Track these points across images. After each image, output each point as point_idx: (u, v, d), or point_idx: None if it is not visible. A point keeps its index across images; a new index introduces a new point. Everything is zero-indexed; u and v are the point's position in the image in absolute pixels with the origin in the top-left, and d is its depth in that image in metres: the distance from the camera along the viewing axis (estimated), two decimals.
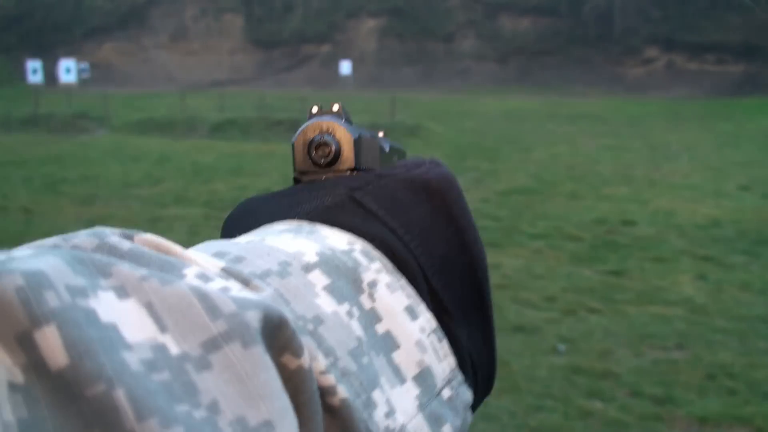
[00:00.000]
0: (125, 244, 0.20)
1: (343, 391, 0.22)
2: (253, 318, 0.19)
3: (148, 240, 0.21)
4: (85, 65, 23.23)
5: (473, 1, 33.79)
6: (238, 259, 0.24)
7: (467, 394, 0.28)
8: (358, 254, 0.27)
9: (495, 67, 32.02)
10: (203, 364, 0.18)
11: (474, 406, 0.30)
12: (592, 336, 3.73)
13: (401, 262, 0.29)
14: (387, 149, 0.39)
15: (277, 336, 0.20)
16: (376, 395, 0.24)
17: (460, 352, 0.30)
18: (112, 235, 0.21)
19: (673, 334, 3.75)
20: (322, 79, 30.99)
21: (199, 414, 0.17)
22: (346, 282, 0.26)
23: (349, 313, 0.25)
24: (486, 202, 7.35)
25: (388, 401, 0.24)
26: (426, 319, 0.28)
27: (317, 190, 0.31)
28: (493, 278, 4.62)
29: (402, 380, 0.25)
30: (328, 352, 0.23)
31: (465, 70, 32.18)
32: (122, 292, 0.18)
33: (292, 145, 0.33)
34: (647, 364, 3.37)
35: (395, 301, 0.27)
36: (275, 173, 9.25)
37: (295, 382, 0.20)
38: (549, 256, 5.30)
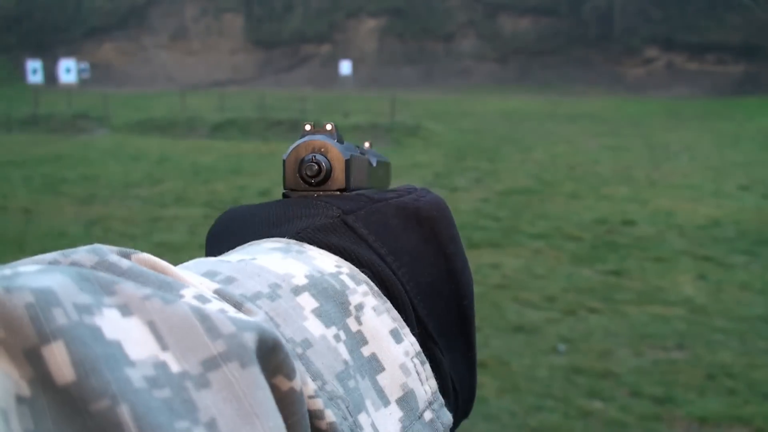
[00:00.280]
0: (124, 263, 0.21)
1: (330, 416, 0.22)
2: (250, 339, 0.19)
3: (144, 259, 0.22)
4: (85, 65, 23.23)
5: (473, 1, 33.78)
6: (230, 280, 0.25)
7: (447, 417, 0.29)
8: (345, 277, 0.28)
9: (495, 67, 32.01)
10: (202, 383, 0.18)
11: (452, 428, 0.30)
12: (592, 336, 3.73)
13: (389, 287, 0.29)
14: (374, 163, 0.39)
15: (271, 358, 0.20)
16: (362, 419, 0.24)
17: (442, 376, 0.30)
18: (111, 253, 0.21)
19: (673, 334, 3.75)
20: (322, 79, 30.99)
21: (198, 431, 0.17)
22: (334, 305, 0.26)
23: (337, 337, 0.25)
24: (486, 202, 7.35)
25: (373, 424, 0.25)
26: (410, 342, 0.28)
27: (309, 208, 0.31)
28: (493, 278, 4.64)
29: (386, 402, 0.26)
30: (316, 376, 0.23)
31: (465, 70, 32.18)
32: (126, 310, 0.18)
33: (284, 162, 0.33)
34: (647, 364, 3.37)
35: (381, 324, 0.27)
36: (275, 173, 9.24)
37: (286, 403, 0.20)
38: (549, 256, 5.30)
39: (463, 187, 8.24)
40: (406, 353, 0.28)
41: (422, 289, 0.31)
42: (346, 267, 0.28)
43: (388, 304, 0.28)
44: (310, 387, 0.22)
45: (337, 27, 35.12)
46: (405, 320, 0.29)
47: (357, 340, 0.26)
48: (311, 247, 0.29)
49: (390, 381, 0.26)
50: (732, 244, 5.62)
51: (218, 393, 0.18)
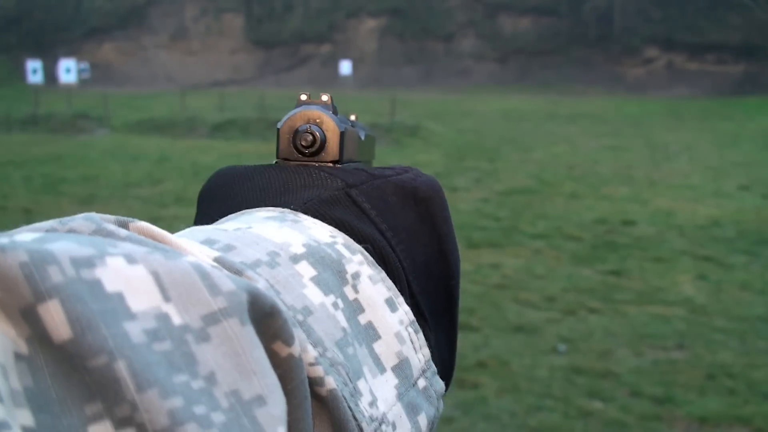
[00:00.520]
0: (122, 232, 0.21)
1: (331, 382, 0.22)
2: (246, 300, 0.19)
3: (142, 228, 0.22)
4: (85, 65, 23.21)
5: (473, 1, 33.78)
6: (228, 248, 0.25)
7: (440, 384, 0.29)
8: (341, 246, 0.28)
9: (495, 67, 32.01)
10: (203, 336, 0.18)
11: None
12: (592, 336, 3.73)
13: (387, 263, 0.30)
14: (362, 137, 0.39)
15: (270, 323, 0.20)
16: (361, 385, 0.24)
17: (431, 351, 0.30)
18: (108, 221, 0.21)
19: (673, 334, 3.75)
20: (322, 79, 30.98)
21: (197, 384, 0.17)
22: (331, 273, 0.26)
23: (335, 305, 0.25)
24: (486, 202, 7.35)
25: (371, 390, 0.25)
26: (404, 311, 0.28)
27: (312, 178, 0.32)
28: (493, 278, 4.64)
29: (382, 370, 0.26)
30: (316, 343, 0.23)
31: (465, 70, 32.17)
32: (131, 258, 0.18)
33: (278, 131, 0.33)
34: (647, 364, 3.37)
35: (376, 293, 0.28)
36: None
37: (285, 369, 0.20)
38: (549, 256, 5.30)
39: (463, 187, 8.23)
40: (401, 322, 0.28)
41: (416, 266, 0.31)
42: (340, 237, 0.28)
43: (383, 274, 0.28)
44: (311, 354, 0.22)
45: (337, 27, 35.12)
46: (399, 291, 0.29)
47: (354, 308, 0.26)
48: (306, 217, 0.29)
49: (386, 349, 0.27)
50: (732, 244, 5.62)
51: (218, 347, 0.18)
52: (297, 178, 0.32)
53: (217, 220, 0.31)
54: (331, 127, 0.33)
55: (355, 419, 0.23)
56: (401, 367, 0.27)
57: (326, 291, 0.25)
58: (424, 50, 33.47)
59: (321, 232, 0.28)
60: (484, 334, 3.70)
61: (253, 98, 19.37)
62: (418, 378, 0.28)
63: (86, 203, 7.39)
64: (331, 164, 0.33)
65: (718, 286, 4.59)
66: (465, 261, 5.08)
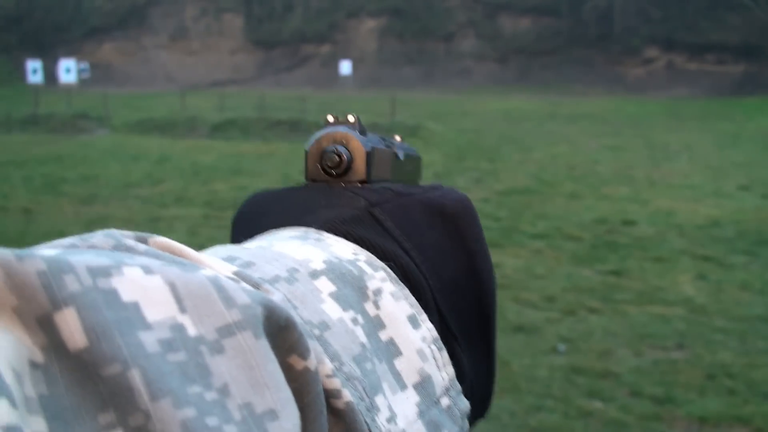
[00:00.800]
0: (141, 247, 0.21)
1: (347, 395, 0.22)
2: (260, 313, 0.20)
3: (161, 243, 0.22)
4: (85, 65, 23.21)
5: (473, 1, 33.78)
6: (248, 264, 0.25)
7: (464, 404, 0.29)
8: (363, 263, 0.28)
9: (495, 67, 32.01)
10: (217, 348, 0.18)
11: (469, 427, 0.30)
12: (592, 336, 3.73)
13: (411, 280, 0.29)
14: (401, 157, 0.39)
15: (284, 336, 0.20)
16: (379, 400, 0.24)
17: (461, 371, 0.30)
18: (127, 237, 0.21)
19: (673, 334, 3.76)
20: (322, 79, 30.98)
21: (211, 396, 0.17)
22: (352, 290, 0.26)
23: (354, 320, 0.25)
24: (486, 202, 7.35)
25: (389, 407, 0.25)
26: (427, 328, 0.28)
27: (336, 197, 0.32)
28: None
29: (403, 387, 0.26)
30: (333, 357, 0.23)
31: (465, 70, 32.17)
32: (148, 269, 0.19)
33: (306, 152, 0.33)
34: (647, 364, 3.37)
35: (398, 309, 0.27)
36: (275, 173, 9.25)
37: (301, 382, 0.20)
38: (549, 256, 5.30)
39: (463, 187, 8.23)
40: (424, 339, 0.28)
41: (444, 284, 0.31)
42: (363, 254, 0.29)
43: (406, 291, 0.28)
44: (327, 366, 0.22)
45: (337, 27, 35.12)
46: (424, 309, 0.29)
47: (374, 324, 0.26)
48: (328, 234, 0.29)
49: (407, 365, 0.27)
50: (732, 244, 5.62)
51: (232, 360, 0.18)
52: (321, 198, 0.32)
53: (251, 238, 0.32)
54: (357, 146, 0.33)
55: None
56: (423, 385, 0.27)
57: (345, 306, 0.25)
58: (424, 50, 33.47)
59: (343, 249, 0.28)
60: None
61: (253, 98, 19.37)
62: (441, 396, 0.27)
63: (86, 203, 7.39)
64: (359, 184, 0.33)
65: (718, 286, 4.59)
66: None
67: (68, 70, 18.42)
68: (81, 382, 0.16)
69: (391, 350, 0.26)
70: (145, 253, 0.20)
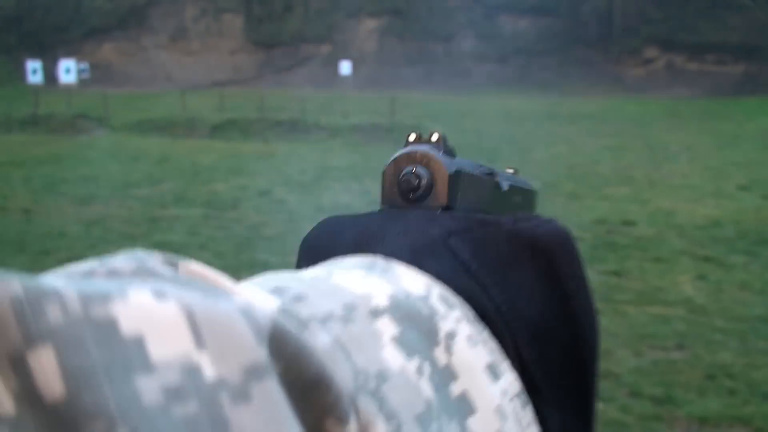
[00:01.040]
0: (167, 272, 0.18)
1: None
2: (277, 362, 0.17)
3: (194, 269, 0.19)
4: (85, 65, 23.21)
5: (473, 2, 33.78)
6: (299, 298, 0.21)
7: None
8: (436, 300, 0.24)
9: (495, 67, 32.01)
10: (242, 395, 0.15)
11: None
12: None
13: (489, 323, 0.26)
14: (504, 187, 0.35)
15: (315, 395, 0.17)
16: None
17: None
18: (153, 259, 0.18)
19: (673, 334, 3.76)
20: (322, 79, 30.98)
21: None
22: (419, 333, 0.23)
23: (420, 370, 0.22)
24: None
25: None
26: (509, 380, 0.24)
27: (409, 224, 0.28)
28: None
29: None
30: (390, 416, 0.19)
31: (465, 70, 32.17)
32: (161, 294, 0.15)
33: (383, 174, 0.31)
34: (647, 364, 3.37)
35: (475, 356, 0.24)
36: (275, 173, 9.25)
37: None
38: None
39: None
40: (504, 393, 0.24)
41: (531, 330, 0.27)
42: (437, 288, 0.25)
43: (486, 334, 0.25)
44: (382, 429, 0.19)
45: (337, 27, 35.12)
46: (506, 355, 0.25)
47: (445, 375, 0.22)
48: (399, 264, 0.26)
49: (482, 425, 0.23)
50: (732, 244, 5.62)
51: (260, 412, 0.15)
52: (394, 224, 0.29)
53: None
54: (439, 168, 0.30)
55: None
56: None
57: (410, 353, 0.22)
58: (424, 50, 33.47)
59: (414, 282, 0.25)
60: None
61: (253, 98, 19.37)
62: None
63: (86, 203, 7.39)
64: (440, 210, 0.30)
65: (718, 286, 4.59)
66: None
67: (68, 70, 18.43)
68: None
69: (463, 407, 0.22)
70: (171, 280, 0.17)
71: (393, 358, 0.21)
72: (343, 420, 0.17)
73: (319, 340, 0.19)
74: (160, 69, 35.03)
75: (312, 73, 33.39)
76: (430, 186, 0.30)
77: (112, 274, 0.17)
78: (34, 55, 23.08)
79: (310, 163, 10.27)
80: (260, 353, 0.16)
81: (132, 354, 0.14)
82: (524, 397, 0.25)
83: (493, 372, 0.24)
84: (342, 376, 0.18)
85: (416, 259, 0.26)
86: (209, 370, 0.15)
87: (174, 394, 0.14)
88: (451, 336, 0.23)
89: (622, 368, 3.31)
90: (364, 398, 0.19)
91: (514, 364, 0.26)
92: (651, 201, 7.43)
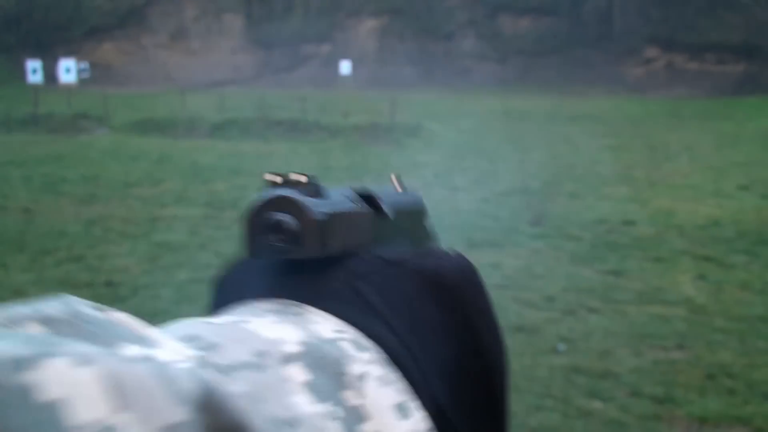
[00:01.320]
0: (99, 315, 0.19)
1: None
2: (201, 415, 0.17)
3: (118, 318, 0.20)
4: (85, 65, 23.21)
5: (473, 1, 33.77)
6: (212, 346, 0.22)
7: None
8: (347, 344, 0.25)
9: (495, 67, 32.01)
10: None
11: None
12: (592, 336, 3.73)
13: (399, 364, 0.26)
14: (391, 214, 0.32)
15: None
16: None
17: None
18: (84, 306, 0.19)
19: (673, 334, 3.75)
20: (322, 79, 30.97)
21: None
22: (329, 377, 0.23)
23: (331, 414, 0.22)
24: (486, 202, 7.35)
25: None
26: (419, 418, 0.25)
27: (315, 271, 0.28)
28: (493, 278, 4.63)
29: None
30: None
31: (465, 70, 32.17)
32: (83, 360, 0.16)
33: (244, 222, 0.28)
34: (647, 364, 3.37)
35: (385, 397, 0.24)
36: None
37: None
38: (549, 256, 5.30)
39: (463, 187, 8.23)
40: (415, 431, 0.25)
41: (442, 366, 0.27)
42: (348, 332, 0.26)
43: (396, 375, 0.25)
44: None
45: (337, 27, 35.12)
46: (417, 395, 0.26)
47: (355, 416, 0.23)
48: (311, 309, 0.26)
49: None
50: (732, 244, 5.62)
51: None
52: (302, 273, 0.28)
53: (228, 308, 0.29)
54: (307, 214, 0.27)
55: None
56: None
57: (321, 398, 0.22)
58: (424, 50, 33.46)
59: (325, 326, 0.25)
60: None
61: (253, 98, 19.36)
62: None
63: (86, 203, 7.39)
64: (313, 260, 0.28)
65: (718, 286, 4.59)
66: None
67: (68, 70, 18.43)
68: None
69: None
70: (103, 322, 0.18)
71: (303, 403, 0.22)
72: None
73: (236, 389, 0.19)
74: (160, 69, 35.02)
75: (312, 73, 33.38)
76: (298, 235, 0.27)
77: (46, 322, 0.17)
78: (34, 54, 23.07)
79: (310, 163, 10.27)
80: (180, 412, 0.16)
81: (46, 419, 0.14)
82: None
83: (403, 411, 0.24)
84: (258, 423, 0.18)
85: (326, 304, 0.27)
86: (129, 430, 0.15)
87: None
88: (362, 378, 0.24)
89: (623, 368, 3.31)
90: None
91: (426, 401, 0.26)
92: (651, 201, 7.43)
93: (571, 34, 31.47)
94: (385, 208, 0.32)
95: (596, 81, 28.58)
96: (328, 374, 0.23)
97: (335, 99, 21.06)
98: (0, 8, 36.51)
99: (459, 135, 13.86)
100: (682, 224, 6.34)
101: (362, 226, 0.30)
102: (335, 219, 0.28)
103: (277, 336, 0.24)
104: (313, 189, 0.28)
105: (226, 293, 0.30)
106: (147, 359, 0.17)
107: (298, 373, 0.23)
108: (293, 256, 0.27)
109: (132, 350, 0.17)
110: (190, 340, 0.22)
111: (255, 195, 0.28)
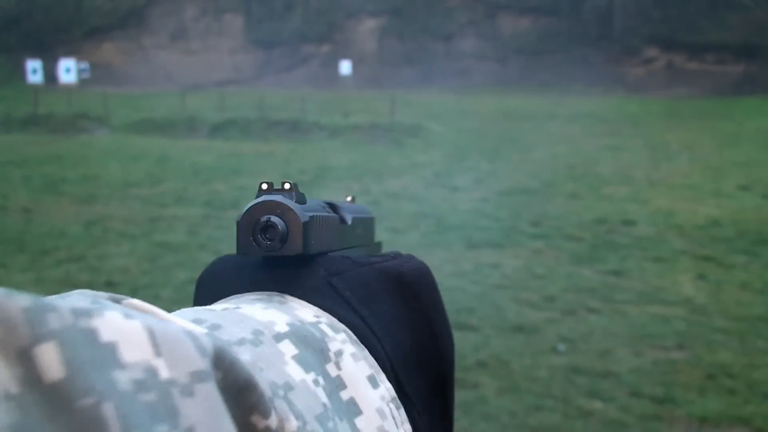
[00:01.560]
0: (116, 300, 0.22)
1: None
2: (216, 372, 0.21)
3: (134, 304, 0.23)
4: (85, 65, 23.20)
5: (473, 1, 33.77)
6: (216, 327, 0.26)
7: None
8: (325, 326, 0.30)
9: (495, 67, 32.00)
10: (188, 392, 0.19)
11: None
12: (592, 336, 3.73)
13: (369, 347, 0.31)
14: (349, 221, 0.38)
15: (245, 396, 0.21)
16: None
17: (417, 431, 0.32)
18: (101, 297, 0.22)
19: (673, 334, 3.76)
20: (322, 79, 30.97)
21: None
22: (313, 352, 0.28)
23: (316, 381, 0.27)
24: (486, 202, 7.35)
25: None
26: (386, 388, 0.30)
27: (296, 268, 0.33)
28: (493, 278, 4.63)
29: None
30: (298, 416, 0.24)
31: (465, 70, 32.17)
32: (129, 314, 0.20)
33: (237, 223, 0.31)
34: (647, 364, 3.37)
35: (358, 370, 0.29)
36: (275, 173, 9.24)
37: None
38: (549, 256, 5.30)
39: (463, 187, 8.23)
40: (382, 398, 0.29)
41: (402, 350, 0.32)
42: (325, 317, 0.30)
43: (366, 352, 0.30)
44: (293, 424, 0.23)
45: (337, 27, 35.11)
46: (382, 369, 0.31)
47: (336, 385, 0.28)
48: (292, 298, 0.31)
49: (367, 424, 0.28)
50: (732, 244, 5.62)
51: (201, 404, 0.19)
52: (283, 269, 0.33)
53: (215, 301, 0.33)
54: (293, 217, 0.31)
55: None
56: None
57: (307, 368, 0.27)
58: (423, 50, 33.46)
59: (305, 312, 0.30)
60: (484, 333, 3.70)
61: (253, 98, 19.36)
62: None
63: (86, 203, 7.39)
64: (295, 256, 0.32)
65: (718, 286, 4.59)
66: (465, 261, 5.08)
67: (68, 70, 18.43)
68: (54, 412, 0.17)
69: (351, 409, 0.28)
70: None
71: (295, 372, 0.26)
72: (265, 415, 0.22)
73: (243, 356, 0.23)
74: (160, 69, 35.03)
75: (312, 73, 33.38)
76: (286, 235, 0.31)
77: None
78: (34, 54, 23.07)
79: (310, 163, 10.27)
80: (202, 363, 0.20)
81: (108, 354, 0.18)
82: (398, 401, 0.30)
83: (373, 382, 0.29)
84: (262, 382, 0.22)
85: (306, 296, 0.32)
86: (164, 372, 0.19)
87: (139, 385, 0.18)
88: (339, 354, 0.29)
89: (623, 368, 3.31)
90: (277, 401, 0.23)
91: (388, 376, 0.31)
92: (651, 201, 7.43)
93: (571, 34, 31.47)
94: (345, 215, 0.38)
95: (596, 81, 28.58)
96: (313, 350, 0.28)
97: (335, 99, 21.06)
98: (0, 8, 36.53)
99: (459, 135, 13.86)
100: (682, 224, 6.34)
101: (331, 230, 0.35)
102: (315, 222, 0.33)
103: (268, 319, 0.28)
104: (296, 195, 0.32)
105: (211, 289, 0.34)
106: (174, 324, 0.21)
107: (288, 349, 0.27)
108: (280, 253, 0.31)
109: None
110: (197, 322, 0.26)
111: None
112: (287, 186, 0.33)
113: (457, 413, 3.10)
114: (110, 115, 15.95)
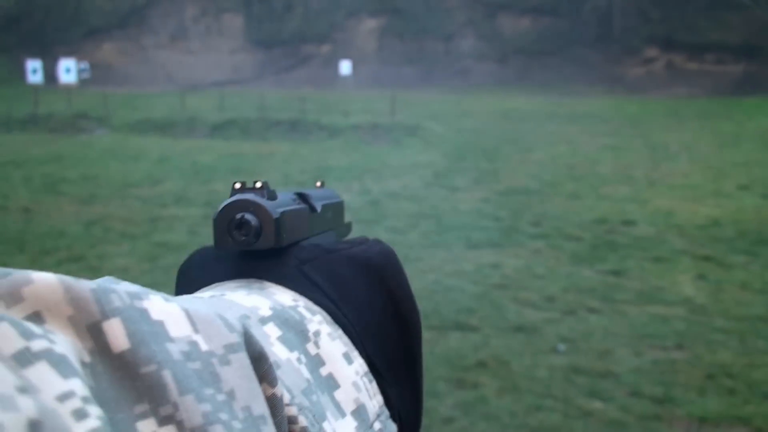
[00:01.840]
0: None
1: (303, 420, 0.26)
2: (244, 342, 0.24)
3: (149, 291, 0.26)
4: (85, 65, 23.18)
5: (473, 1, 33.76)
6: None
7: (393, 427, 0.33)
8: (302, 309, 0.32)
9: (495, 67, 31.99)
10: (225, 361, 0.23)
11: None
12: (592, 336, 3.73)
13: (340, 326, 0.34)
14: (318, 209, 0.41)
15: (258, 365, 0.24)
16: (326, 426, 0.28)
17: (388, 403, 0.34)
18: (126, 283, 0.25)
19: (673, 334, 3.76)
20: (322, 79, 30.96)
21: (221, 397, 0.22)
22: (295, 333, 0.31)
23: (299, 359, 0.30)
24: (486, 202, 7.35)
25: (335, 431, 0.29)
26: (359, 363, 0.33)
27: (270, 258, 0.35)
28: (493, 278, 4.63)
29: (343, 414, 0.30)
30: (288, 390, 0.27)
31: (465, 70, 32.16)
32: (167, 298, 0.23)
33: (213, 221, 0.34)
34: (647, 364, 3.37)
35: (335, 348, 0.32)
36: (275, 173, 9.24)
37: (270, 405, 0.24)
38: (549, 256, 5.30)
39: (463, 187, 8.23)
40: (357, 372, 0.32)
41: (370, 329, 0.35)
42: (302, 301, 0.33)
43: (340, 331, 0.33)
44: (286, 396, 0.26)
45: (337, 27, 35.10)
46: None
47: (316, 362, 0.31)
48: (270, 284, 0.34)
49: (345, 396, 0.31)
50: (732, 244, 5.62)
51: (237, 371, 0.23)
52: (259, 261, 0.35)
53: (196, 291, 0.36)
54: (265, 213, 0.33)
55: None
56: (359, 412, 0.31)
57: (291, 348, 0.30)
58: (423, 50, 33.45)
59: (284, 297, 0.33)
60: (484, 334, 3.70)
61: (253, 98, 19.36)
62: (373, 421, 0.32)
63: (86, 203, 7.39)
64: (269, 249, 0.34)
65: (718, 286, 4.59)
66: (465, 261, 5.08)
67: (68, 70, 18.42)
68: (120, 379, 0.20)
69: (330, 383, 0.31)
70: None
71: (280, 352, 0.29)
72: (272, 384, 0.25)
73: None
74: (160, 69, 35.02)
75: (312, 73, 33.37)
76: (259, 230, 0.33)
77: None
78: (34, 54, 23.05)
79: (310, 163, 10.26)
80: (233, 336, 0.23)
81: (160, 330, 0.22)
82: (370, 375, 0.33)
83: (348, 358, 0.32)
84: (272, 354, 0.25)
85: (281, 283, 0.34)
86: (203, 345, 0.23)
87: (187, 356, 0.22)
88: (317, 334, 0.32)
89: (622, 368, 3.31)
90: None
91: (360, 353, 0.34)
92: (651, 201, 7.43)
93: (571, 34, 31.46)
94: (315, 204, 0.40)
95: (596, 81, 28.58)
96: (294, 331, 0.31)
97: (335, 99, 21.06)
98: (0, 8, 36.52)
99: (459, 135, 13.86)
100: (681, 224, 6.34)
101: (302, 220, 0.38)
102: (286, 216, 0.35)
103: (252, 304, 0.31)
104: (268, 192, 0.35)
105: (191, 280, 0.37)
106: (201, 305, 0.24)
107: (273, 331, 0.30)
108: (254, 248, 0.33)
109: None
110: None
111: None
112: (258, 184, 0.35)
113: (457, 413, 3.09)
114: (110, 115, 15.95)
